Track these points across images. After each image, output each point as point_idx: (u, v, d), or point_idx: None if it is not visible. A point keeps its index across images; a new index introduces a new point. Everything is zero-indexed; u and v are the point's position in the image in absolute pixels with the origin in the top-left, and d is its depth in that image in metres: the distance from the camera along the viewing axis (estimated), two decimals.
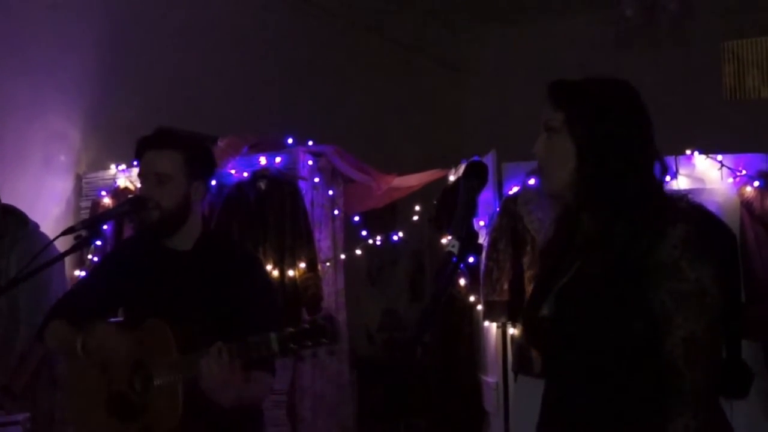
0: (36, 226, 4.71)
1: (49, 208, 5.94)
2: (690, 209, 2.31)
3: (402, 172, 6.34)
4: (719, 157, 5.35)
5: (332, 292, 5.78)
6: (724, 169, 5.33)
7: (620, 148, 2.21)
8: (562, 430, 2.29)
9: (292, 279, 5.40)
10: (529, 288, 5.21)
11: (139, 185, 5.61)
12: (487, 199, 5.54)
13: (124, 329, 3.09)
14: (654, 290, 2.13)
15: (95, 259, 5.79)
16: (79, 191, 6.23)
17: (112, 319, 3.24)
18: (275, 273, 5.39)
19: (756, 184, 5.23)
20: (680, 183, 5.23)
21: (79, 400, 3.19)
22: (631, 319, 2.14)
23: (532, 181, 5.25)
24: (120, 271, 3.28)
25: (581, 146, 2.23)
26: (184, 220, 3.13)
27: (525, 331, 2.58)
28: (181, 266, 3.13)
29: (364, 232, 6.27)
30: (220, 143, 5.82)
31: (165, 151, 3.12)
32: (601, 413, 2.20)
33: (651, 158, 2.27)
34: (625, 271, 2.15)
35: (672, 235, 2.12)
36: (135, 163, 5.79)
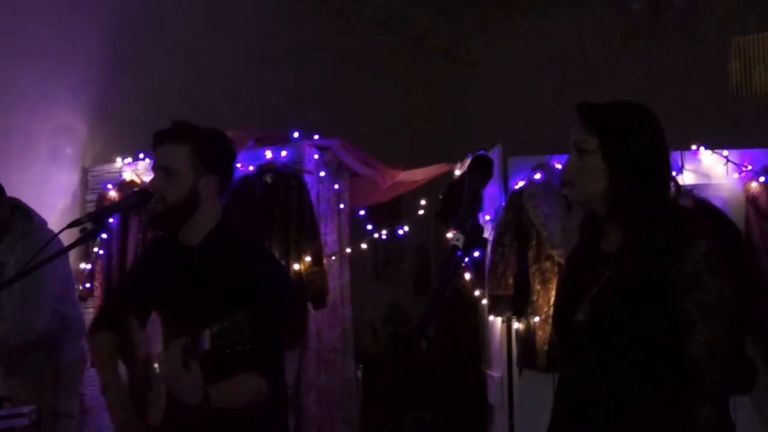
0: (43, 222, 4.70)
1: (55, 200, 5.96)
2: (700, 207, 2.51)
3: (408, 166, 6.34)
4: (725, 153, 5.35)
5: (337, 285, 5.79)
6: (729, 164, 5.33)
7: (647, 170, 2.47)
8: (591, 423, 2.50)
9: (298, 273, 5.41)
10: (534, 283, 5.23)
11: (145, 178, 5.67)
12: (492, 193, 5.54)
13: (143, 327, 3.11)
14: (680, 299, 2.38)
15: (101, 251, 5.81)
16: (85, 184, 6.25)
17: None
18: None
19: (762, 179, 5.23)
20: (686, 178, 5.22)
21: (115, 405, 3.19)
22: (660, 323, 2.40)
23: (537, 176, 5.26)
24: (145, 270, 3.35)
25: (614, 169, 2.47)
26: (191, 214, 3.12)
27: (559, 336, 2.78)
28: (187, 261, 3.13)
29: (369, 226, 6.26)
30: None
31: (172, 144, 3.12)
32: (631, 405, 2.43)
33: (667, 176, 2.54)
34: (654, 281, 2.41)
35: (696, 251, 2.38)
36: (141, 155, 5.87)
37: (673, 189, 2.54)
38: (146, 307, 3.15)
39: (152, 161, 3.22)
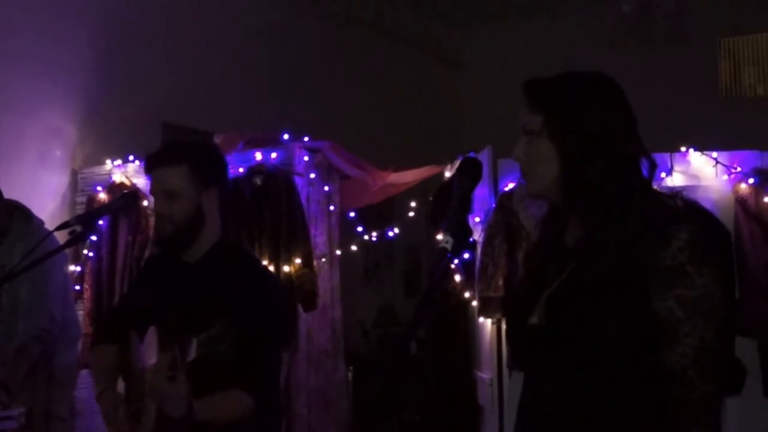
0: (41, 222, 4.72)
1: (44, 203, 5.93)
2: (689, 207, 2.21)
3: (398, 168, 6.35)
4: (714, 154, 5.36)
5: (327, 288, 5.79)
6: (719, 166, 5.34)
7: (603, 148, 2.11)
8: None
9: (288, 275, 5.40)
10: None
11: (134, 180, 5.66)
12: (483, 195, 5.55)
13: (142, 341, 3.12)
14: (659, 295, 2.02)
15: (90, 254, 5.80)
16: (74, 186, 6.24)
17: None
18: (271, 269, 5.40)
19: (751, 181, 5.24)
20: (675, 180, 5.23)
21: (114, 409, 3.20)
22: (631, 325, 2.05)
23: None
24: (146, 284, 3.34)
25: (562, 150, 2.14)
26: (199, 230, 3.13)
27: (511, 340, 2.46)
28: (187, 278, 3.13)
29: (359, 228, 6.27)
30: (216, 139, 5.83)
31: (171, 166, 3.08)
32: (596, 423, 2.09)
33: (636, 154, 2.17)
34: (624, 275, 2.05)
35: (677, 238, 2.02)
36: (131, 158, 5.86)
37: (646, 169, 2.17)
38: (146, 322, 3.17)
39: (150, 185, 3.17)
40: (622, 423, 2.06)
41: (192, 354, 2.61)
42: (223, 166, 3.28)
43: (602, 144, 2.12)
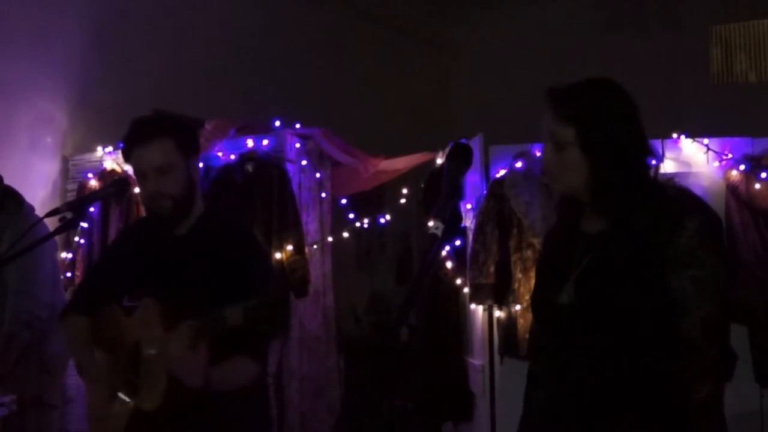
0: (31, 208, 4.71)
1: (35, 190, 5.91)
2: (699, 200, 2.52)
3: (389, 155, 6.34)
4: (705, 141, 5.36)
5: (319, 274, 5.79)
6: (710, 152, 5.35)
7: (626, 155, 2.42)
8: (578, 409, 2.44)
9: (280, 262, 5.40)
10: (515, 271, 5.23)
11: (126, 167, 5.63)
12: (474, 182, 5.55)
13: (128, 313, 3.07)
14: (674, 276, 2.36)
15: (81, 241, 5.79)
16: (65, 174, 6.23)
17: (127, 303, 3.21)
18: None
19: (742, 167, 5.25)
20: (666, 167, 5.23)
21: (92, 387, 3.14)
22: (651, 301, 2.37)
23: (519, 164, 5.26)
24: (124, 256, 3.27)
25: (593, 160, 2.41)
26: (193, 201, 3.12)
27: (540, 318, 2.67)
28: (178, 250, 3.12)
29: (351, 215, 6.26)
30: (208, 126, 5.81)
31: (154, 141, 3.03)
32: (622, 388, 2.39)
33: (647, 155, 2.49)
34: (645, 259, 2.37)
35: (689, 227, 2.36)
36: (121, 146, 5.84)
37: (652, 166, 2.50)
38: (124, 293, 3.14)
39: (135, 165, 3.10)
40: (648, 390, 2.39)
41: (238, 320, 2.62)
42: (196, 131, 3.31)
43: (626, 152, 2.42)
